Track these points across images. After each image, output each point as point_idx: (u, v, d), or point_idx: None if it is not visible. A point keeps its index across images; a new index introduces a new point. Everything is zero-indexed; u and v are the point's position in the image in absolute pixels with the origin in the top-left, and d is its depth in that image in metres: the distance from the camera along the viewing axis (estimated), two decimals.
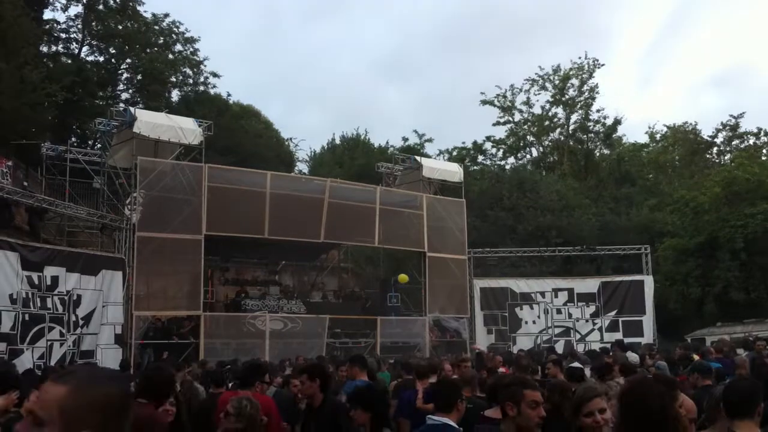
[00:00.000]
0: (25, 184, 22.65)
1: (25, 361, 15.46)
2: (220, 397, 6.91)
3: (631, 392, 3.30)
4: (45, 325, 16.85)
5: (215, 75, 40.40)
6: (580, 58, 48.94)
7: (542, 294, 27.88)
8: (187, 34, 38.82)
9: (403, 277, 25.27)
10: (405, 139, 50.66)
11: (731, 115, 43.34)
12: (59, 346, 17.22)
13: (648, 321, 26.95)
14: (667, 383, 4.45)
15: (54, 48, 35.79)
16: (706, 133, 44.48)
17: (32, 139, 25.64)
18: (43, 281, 16.97)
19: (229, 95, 43.43)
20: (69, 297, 17.75)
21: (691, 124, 45.15)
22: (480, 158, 51.16)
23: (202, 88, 40.33)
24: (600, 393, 4.06)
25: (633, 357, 13.02)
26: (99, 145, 26.58)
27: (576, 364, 9.98)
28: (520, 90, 49.03)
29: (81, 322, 18.13)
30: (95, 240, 22.81)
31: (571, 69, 46.74)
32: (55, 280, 17.34)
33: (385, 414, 5.89)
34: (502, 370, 11.16)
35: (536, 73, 48.15)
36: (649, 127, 54.16)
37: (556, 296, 27.76)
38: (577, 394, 4.06)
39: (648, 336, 26.11)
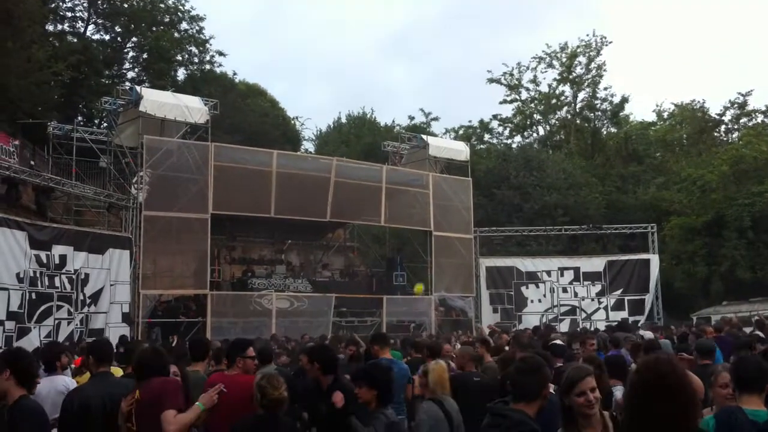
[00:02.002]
0: (32, 163, 22.72)
1: (32, 339, 15.58)
2: (208, 378, 6.81)
3: (647, 368, 3.32)
4: (53, 303, 16.94)
5: (221, 54, 40.34)
6: (587, 35, 48.66)
7: (548, 273, 27.90)
8: (193, 13, 38.73)
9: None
10: (411, 118, 50.70)
11: (739, 93, 43.01)
12: (66, 325, 17.33)
13: (648, 299, 26.97)
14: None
15: (60, 27, 35.75)
16: (714, 111, 44.20)
17: (39, 118, 25.67)
18: (51, 260, 17.05)
19: (235, 74, 43.51)
20: (77, 276, 17.85)
21: (699, 101, 44.80)
22: (486, 137, 51.14)
23: (207, 66, 40.27)
24: (590, 372, 4.07)
25: (648, 335, 13.12)
26: (105, 124, 26.64)
27: (559, 341, 10.07)
28: (527, 68, 48.81)
29: (88, 301, 18.24)
30: (102, 219, 22.86)
31: (578, 47, 46.39)
32: (63, 258, 17.43)
33: (390, 391, 5.93)
34: None
35: (543, 51, 47.87)
36: (657, 105, 53.90)
37: (562, 275, 27.79)
38: (567, 375, 4.07)
39: (645, 314, 26.21)
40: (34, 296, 16.36)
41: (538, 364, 4.14)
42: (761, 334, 11.34)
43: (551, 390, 5.63)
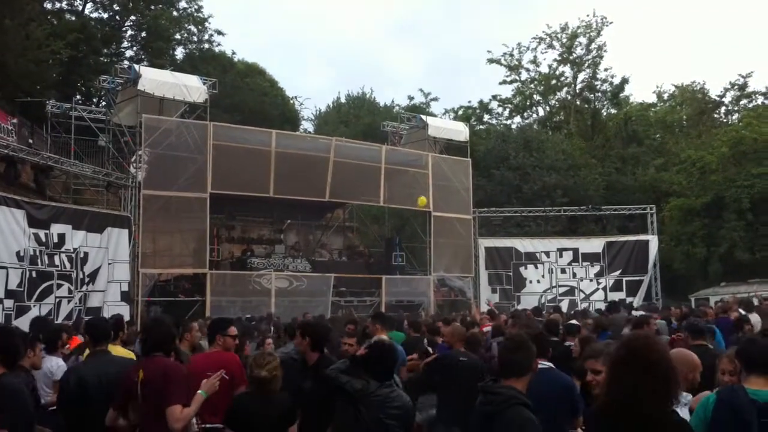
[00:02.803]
0: (31, 141, 22.63)
1: (31, 318, 15.56)
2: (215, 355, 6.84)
3: (622, 344, 3.47)
4: (53, 282, 16.95)
5: (219, 33, 40.10)
6: (588, 15, 48.48)
7: (547, 254, 27.93)
8: None
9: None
10: (410, 98, 50.66)
11: (740, 74, 43.01)
12: (67, 303, 17.35)
13: (646, 280, 27.03)
14: None
15: (58, 5, 35.51)
16: (714, 92, 44.16)
17: (37, 97, 25.58)
18: (50, 239, 17.03)
19: (233, 53, 43.29)
20: (76, 254, 17.84)
21: (699, 83, 44.79)
22: (486, 117, 50.90)
23: (206, 45, 40.06)
24: (596, 355, 4.17)
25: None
26: (104, 103, 26.53)
27: (574, 322, 10.24)
28: (527, 48, 48.56)
29: (87, 279, 18.24)
30: (101, 198, 22.86)
31: (578, 27, 46.13)
32: (61, 237, 17.42)
33: (384, 368, 5.94)
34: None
35: (543, 32, 47.59)
36: (657, 87, 53.66)
37: (561, 256, 27.83)
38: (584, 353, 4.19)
39: (641, 295, 26.29)
40: (34, 274, 16.36)
41: (524, 340, 4.24)
42: (758, 316, 11.40)
43: (551, 365, 5.76)
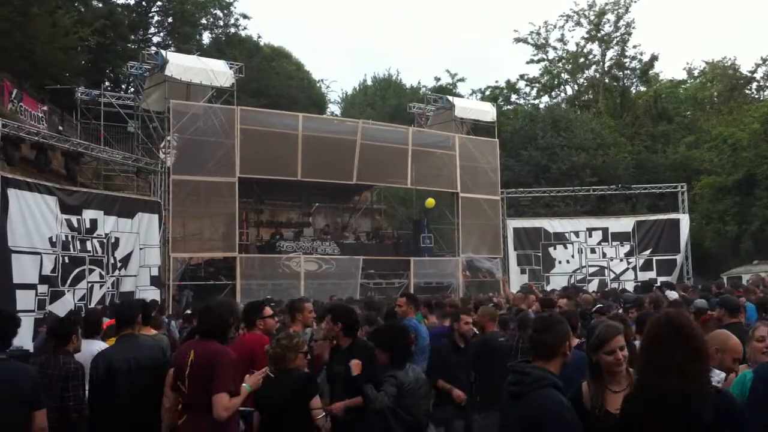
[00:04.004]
0: (61, 128, 22.87)
1: (66, 303, 15.79)
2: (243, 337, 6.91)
3: (658, 321, 3.56)
4: (86, 267, 17.12)
5: (245, 16, 40.19)
6: None
7: (576, 233, 27.70)
8: None
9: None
10: (437, 79, 50.38)
11: None
12: (99, 288, 17.54)
13: (679, 259, 26.77)
14: None
15: None
16: (745, 68, 43.51)
17: (66, 84, 25.79)
18: (82, 224, 17.20)
19: (259, 37, 43.32)
20: (107, 240, 18.01)
21: (730, 59, 44.08)
22: (513, 97, 50.55)
23: (232, 30, 40.18)
24: (620, 331, 4.15)
25: (672, 295, 13.08)
26: (132, 89, 26.68)
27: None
28: (555, 26, 48.16)
29: (119, 264, 18.41)
30: (131, 183, 23.06)
31: (606, 4, 45.58)
32: (93, 223, 17.57)
33: (402, 353, 6.00)
34: None
35: (571, 9, 47.20)
36: (687, 63, 52.86)
37: (590, 236, 27.59)
38: (598, 333, 4.10)
39: (674, 274, 26.00)
40: (67, 260, 16.53)
41: (553, 321, 4.12)
42: None
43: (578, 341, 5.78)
